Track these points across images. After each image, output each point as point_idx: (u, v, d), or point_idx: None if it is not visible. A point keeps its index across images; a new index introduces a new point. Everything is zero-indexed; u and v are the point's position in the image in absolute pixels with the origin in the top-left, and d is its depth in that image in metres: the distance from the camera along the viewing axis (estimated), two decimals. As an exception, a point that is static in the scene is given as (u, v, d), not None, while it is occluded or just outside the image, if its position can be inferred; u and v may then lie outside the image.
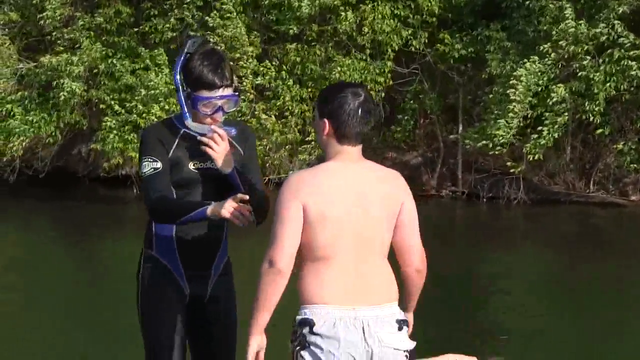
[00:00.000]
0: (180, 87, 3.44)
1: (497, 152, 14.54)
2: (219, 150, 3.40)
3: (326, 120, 3.03)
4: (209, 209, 3.26)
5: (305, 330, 2.94)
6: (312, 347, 2.94)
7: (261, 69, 16.44)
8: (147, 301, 3.50)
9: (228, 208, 3.21)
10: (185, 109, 3.44)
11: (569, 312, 8.38)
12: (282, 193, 2.96)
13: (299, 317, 2.96)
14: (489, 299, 8.89)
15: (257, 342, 3.00)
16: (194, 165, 3.45)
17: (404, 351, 3.02)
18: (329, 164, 3.04)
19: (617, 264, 10.69)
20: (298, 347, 2.96)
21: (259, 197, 3.46)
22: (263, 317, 2.95)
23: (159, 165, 3.41)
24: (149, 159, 3.41)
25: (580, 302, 8.77)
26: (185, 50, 3.45)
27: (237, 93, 3.47)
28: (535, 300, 8.88)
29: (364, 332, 2.96)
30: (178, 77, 3.44)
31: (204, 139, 3.40)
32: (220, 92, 3.39)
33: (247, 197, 3.23)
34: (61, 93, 16.21)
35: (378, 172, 3.09)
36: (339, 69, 15.85)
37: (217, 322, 3.56)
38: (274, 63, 16.56)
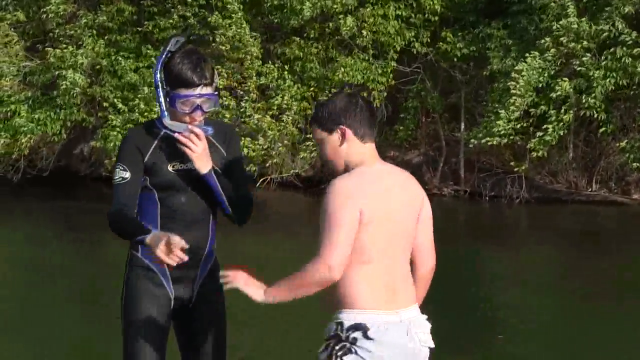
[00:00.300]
0: (160, 86, 3.42)
1: (495, 143, 14.48)
2: (197, 149, 3.38)
3: (343, 127, 3.02)
4: (148, 238, 3.25)
5: (357, 334, 2.92)
6: (359, 353, 2.92)
7: (264, 69, 16.46)
8: (130, 303, 3.47)
9: (161, 248, 3.18)
10: (164, 108, 3.42)
11: (570, 311, 8.37)
12: (335, 199, 2.92)
13: (348, 322, 2.94)
14: (489, 298, 8.88)
15: (256, 296, 2.97)
16: (172, 167, 3.44)
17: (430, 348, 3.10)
18: (367, 168, 3.04)
19: (619, 263, 10.68)
20: (340, 353, 2.94)
21: (242, 199, 3.46)
22: (284, 298, 2.93)
23: (127, 175, 3.41)
24: (120, 167, 3.42)
25: (582, 301, 8.75)
26: (167, 49, 3.44)
27: (216, 93, 3.45)
28: (536, 299, 8.87)
29: (407, 334, 2.99)
30: (158, 75, 3.43)
31: (182, 138, 3.38)
32: (199, 90, 3.37)
33: (183, 242, 3.17)
34: (63, 82, 16.22)
35: (400, 171, 3.13)
36: (342, 69, 15.85)
37: (206, 326, 3.53)
38: (276, 65, 16.57)
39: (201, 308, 3.52)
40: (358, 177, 2.99)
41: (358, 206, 2.92)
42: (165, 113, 3.43)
